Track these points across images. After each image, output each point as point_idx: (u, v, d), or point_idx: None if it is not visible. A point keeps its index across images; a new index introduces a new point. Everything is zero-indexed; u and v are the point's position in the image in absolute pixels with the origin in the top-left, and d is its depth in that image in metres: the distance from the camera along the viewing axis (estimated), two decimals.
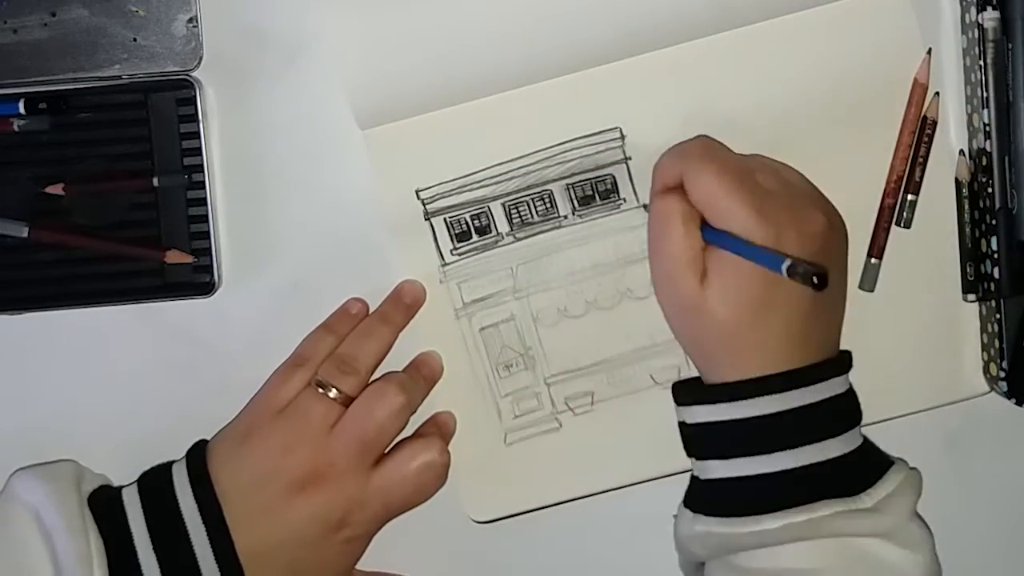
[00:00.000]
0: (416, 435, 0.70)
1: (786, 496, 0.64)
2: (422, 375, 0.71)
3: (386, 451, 0.69)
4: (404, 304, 0.72)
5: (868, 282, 0.72)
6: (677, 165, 0.67)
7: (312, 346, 0.70)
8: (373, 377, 0.70)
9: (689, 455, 0.68)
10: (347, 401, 0.68)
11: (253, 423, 0.68)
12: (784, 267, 0.61)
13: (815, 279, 0.60)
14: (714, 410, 0.66)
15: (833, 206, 0.68)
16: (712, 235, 0.65)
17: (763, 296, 0.64)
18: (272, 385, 0.69)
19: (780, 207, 0.65)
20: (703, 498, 0.67)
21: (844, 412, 0.66)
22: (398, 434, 0.69)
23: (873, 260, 0.72)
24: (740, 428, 0.65)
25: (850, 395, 0.67)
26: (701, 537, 0.65)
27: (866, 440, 0.67)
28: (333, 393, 0.68)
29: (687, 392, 0.68)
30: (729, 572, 0.65)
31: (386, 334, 0.71)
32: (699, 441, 0.67)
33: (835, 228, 0.67)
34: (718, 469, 0.66)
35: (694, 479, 0.68)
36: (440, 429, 0.72)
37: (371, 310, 0.72)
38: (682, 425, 0.68)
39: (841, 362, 0.67)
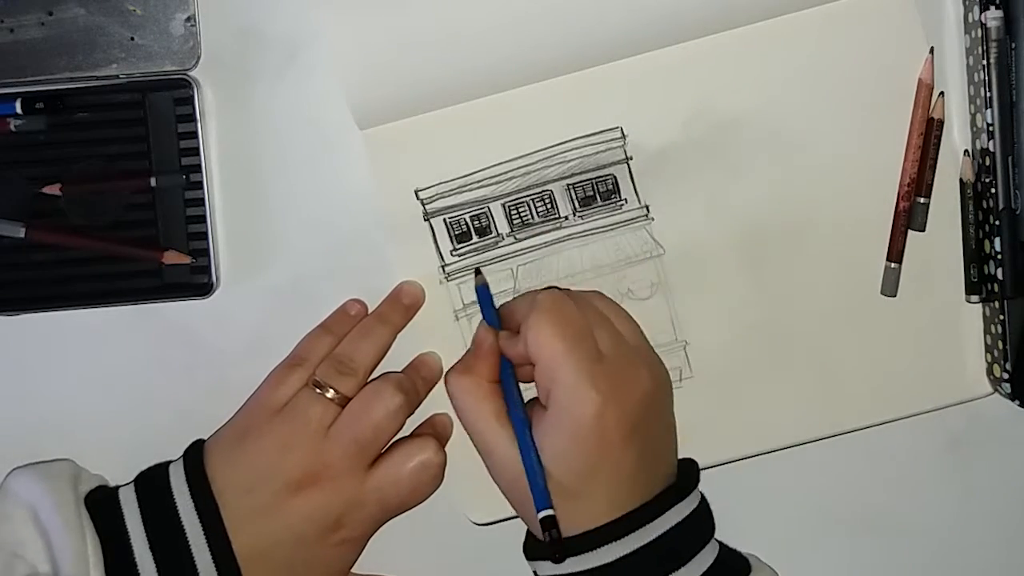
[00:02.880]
0: (411, 436, 0.70)
1: None
2: (421, 376, 0.71)
3: (383, 452, 0.68)
4: (403, 305, 0.71)
5: (888, 287, 0.72)
6: (523, 312, 0.66)
7: (310, 346, 0.70)
8: (372, 378, 0.69)
9: None
10: (344, 401, 0.68)
11: (250, 423, 0.68)
12: (543, 515, 0.63)
13: (555, 554, 0.63)
14: (562, 565, 0.64)
15: (658, 358, 0.68)
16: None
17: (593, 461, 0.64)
18: (269, 385, 0.69)
19: (610, 372, 0.64)
20: None
21: (688, 537, 0.65)
22: (395, 435, 0.68)
23: (892, 265, 0.72)
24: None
25: (692, 518, 0.65)
26: None
27: (722, 548, 0.66)
28: (331, 393, 0.67)
29: (533, 548, 0.66)
30: None
31: (384, 335, 0.70)
32: None
33: (659, 385, 0.67)
34: None
35: None
36: (436, 430, 0.71)
37: (370, 311, 0.72)
38: None
39: (668, 493, 0.66)
